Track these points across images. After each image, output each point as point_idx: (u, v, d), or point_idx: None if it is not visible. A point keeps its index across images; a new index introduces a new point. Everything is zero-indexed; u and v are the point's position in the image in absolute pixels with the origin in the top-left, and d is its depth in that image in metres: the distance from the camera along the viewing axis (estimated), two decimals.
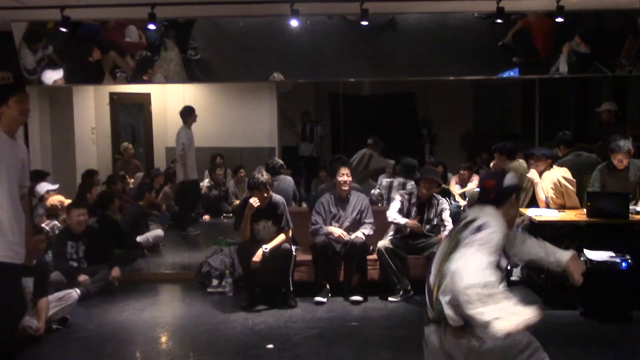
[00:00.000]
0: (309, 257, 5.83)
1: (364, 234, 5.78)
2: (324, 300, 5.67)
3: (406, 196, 5.90)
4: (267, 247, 5.53)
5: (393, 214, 5.83)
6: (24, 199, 3.86)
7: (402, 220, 5.77)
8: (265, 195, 5.52)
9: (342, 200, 5.93)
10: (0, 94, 3.72)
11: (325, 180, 8.18)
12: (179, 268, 7.02)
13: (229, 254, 6.26)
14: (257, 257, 5.49)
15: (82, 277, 5.79)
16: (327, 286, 5.76)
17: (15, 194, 3.68)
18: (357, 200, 5.95)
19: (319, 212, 5.88)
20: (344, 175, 5.86)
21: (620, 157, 5.65)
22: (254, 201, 5.47)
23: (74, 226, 6.03)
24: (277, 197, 5.74)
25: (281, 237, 5.63)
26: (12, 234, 3.58)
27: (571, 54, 6.55)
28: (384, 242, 5.76)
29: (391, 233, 5.93)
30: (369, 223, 5.88)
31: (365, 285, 5.76)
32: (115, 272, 6.15)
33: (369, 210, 5.94)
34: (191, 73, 6.84)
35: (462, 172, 8.84)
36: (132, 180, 9.28)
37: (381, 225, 5.97)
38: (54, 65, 6.65)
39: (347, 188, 5.92)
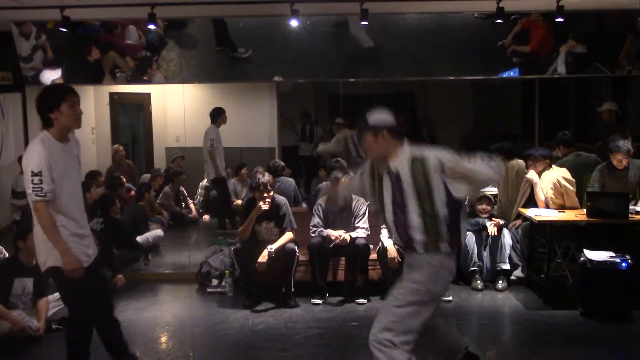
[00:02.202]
0: (308, 257, 5.82)
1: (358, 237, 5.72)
2: (320, 302, 5.67)
3: None
4: (272, 247, 5.52)
5: (385, 233, 5.67)
6: None
7: (389, 244, 5.65)
8: (266, 195, 5.52)
9: (340, 208, 5.84)
10: (51, 98, 3.57)
11: (324, 178, 8.16)
12: (179, 268, 7.02)
13: (229, 254, 6.26)
14: (263, 257, 5.48)
15: None
16: (324, 287, 5.75)
17: (78, 198, 3.70)
18: (356, 206, 5.83)
19: (318, 214, 5.85)
20: None
21: (619, 157, 5.66)
22: (265, 206, 5.48)
23: None
24: (279, 198, 5.73)
25: (288, 236, 5.62)
26: (78, 238, 3.62)
27: (567, 55, 6.55)
28: (390, 243, 5.72)
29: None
30: (363, 229, 5.76)
31: (366, 286, 5.76)
32: (120, 281, 6.16)
33: (365, 216, 5.81)
34: (191, 73, 6.84)
35: None
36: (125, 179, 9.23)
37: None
38: (48, 58, 6.64)
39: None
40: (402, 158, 3.32)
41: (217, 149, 8.29)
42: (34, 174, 3.40)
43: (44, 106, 3.57)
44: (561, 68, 6.58)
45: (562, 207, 5.83)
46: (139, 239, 7.09)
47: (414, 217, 3.28)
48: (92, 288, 3.72)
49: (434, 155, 3.28)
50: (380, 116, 3.41)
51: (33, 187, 3.40)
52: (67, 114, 3.54)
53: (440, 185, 3.26)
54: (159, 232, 7.62)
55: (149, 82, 7.00)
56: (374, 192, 3.48)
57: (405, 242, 3.38)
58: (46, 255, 3.57)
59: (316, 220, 5.82)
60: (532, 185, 6.02)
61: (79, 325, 3.77)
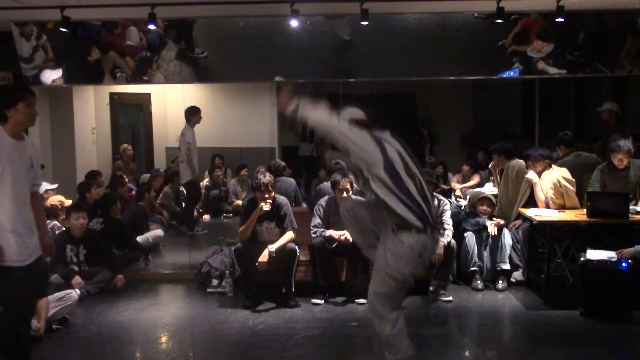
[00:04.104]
0: (309, 257, 5.82)
1: None
2: (321, 302, 5.67)
3: None
4: (273, 247, 5.52)
5: None
6: (36, 196, 3.94)
7: None
8: (267, 196, 5.52)
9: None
10: (9, 97, 3.70)
11: (324, 179, 8.17)
12: (179, 268, 7.02)
13: (229, 254, 6.26)
14: (264, 257, 5.48)
15: (76, 280, 5.78)
16: (325, 287, 5.75)
17: (23, 195, 3.72)
18: None
19: (319, 215, 5.85)
20: (344, 191, 5.70)
21: (620, 157, 5.65)
22: (266, 206, 5.49)
23: (74, 229, 6.02)
24: (280, 198, 5.73)
25: (288, 235, 5.62)
26: (16, 236, 3.64)
27: (547, 60, 6.56)
28: None
29: None
30: None
31: (367, 286, 5.74)
32: (120, 281, 6.16)
33: None
34: (191, 73, 6.84)
35: (464, 167, 8.92)
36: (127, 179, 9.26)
37: None
38: (49, 58, 6.64)
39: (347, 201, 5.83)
40: None
41: (193, 151, 8.29)
42: None
43: (1, 103, 3.69)
44: (552, 70, 6.60)
45: (562, 207, 5.82)
46: (139, 239, 7.09)
47: None
48: (27, 288, 3.76)
49: None
50: (351, 111, 3.73)
51: None
52: (22, 113, 3.69)
53: None
54: (159, 232, 7.62)
55: (149, 82, 6.99)
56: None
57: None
58: None
59: (317, 220, 5.82)
60: (532, 186, 6.02)
61: (9, 323, 3.74)
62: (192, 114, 8.31)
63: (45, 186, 7.14)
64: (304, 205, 7.47)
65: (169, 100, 10.50)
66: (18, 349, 3.80)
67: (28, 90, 3.80)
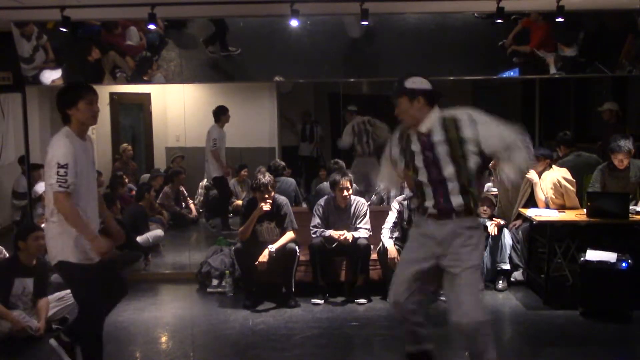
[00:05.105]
0: (309, 257, 5.82)
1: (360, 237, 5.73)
2: (321, 302, 5.67)
3: (405, 203, 5.78)
4: (273, 247, 5.52)
5: (386, 234, 5.72)
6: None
7: (389, 244, 5.66)
8: (267, 196, 5.53)
9: (341, 209, 5.88)
10: (69, 96, 3.65)
11: (324, 179, 8.17)
12: (179, 268, 7.02)
13: (229, 254, 6.27)
14: (264, 257, 5.48)
15: None
16: (325, 287, 5.75)
17: (93, 194, 3.76)
18: (356, 207, 5.85)
19: (319, 214, 5.85)
20: (344, 190, 5.75)
21: (620, 157, 5.66)
22: (266, 206, 5.49)
23: None
24: (280, 198, 5.74)
25: (289, 235, 5.62)
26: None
27: (557, 59, 6.54)
28: (389, 243, 5.72)
29: (389, 230, 5.85)
30: (365, 229, 5.78)
31: (367, 286, 5.75)
32: None
33: (366, 217, 5.84)
34: (191, 73, 6.84)
35: None
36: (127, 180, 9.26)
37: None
38: (49, 59, 6.64)
39: (347, 201, 5.86)
40: (432, 118, 3.42)
41: (220, 149, 8.27)
42: (60, 166, 3.47)
43: (62, 103, 3.66)
44: (552, 70, 6.59)
45: (562, 207, 5.83)
46: (139, 239, 7.09)
47: (449, 170, 3.32)
48: (101, 283, 3.77)
49: (464, 111, 3.48)
50: (417, 81, 3.53)
51: (58, 178, 3.46)
52: (83, 111, 3.62)
53: (473, 140, 3.39)
54: (159, 232, 7.62)
55: (149, 82, 6.99)
56: (405, 158, 3.48)
57: (439, 203, 3.37)
58: (56, 250, 3.63)
59: (317, 220, 5.82)
60: (532, 185, 6.02)
61: (89, 320, 3.82)
62: (222, 114, 8.33)
63: (44, 186, 7.14)
64: (304, 205, 7.47)
65: (169, 100, 10.49)
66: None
67: (88, 87, 3.72)
